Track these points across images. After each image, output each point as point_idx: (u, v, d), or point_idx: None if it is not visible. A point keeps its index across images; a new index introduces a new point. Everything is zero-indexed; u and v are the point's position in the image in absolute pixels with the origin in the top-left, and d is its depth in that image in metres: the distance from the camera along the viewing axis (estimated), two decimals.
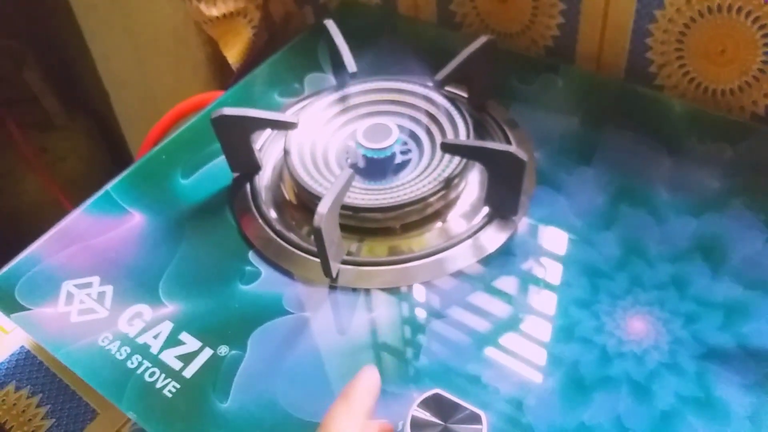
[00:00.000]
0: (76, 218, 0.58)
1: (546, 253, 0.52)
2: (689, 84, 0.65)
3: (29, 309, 0.51)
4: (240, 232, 0.56)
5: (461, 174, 0.55)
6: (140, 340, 0.49)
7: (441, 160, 0.56)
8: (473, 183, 0.58)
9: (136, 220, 0.57)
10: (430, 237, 0.55)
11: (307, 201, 0.56)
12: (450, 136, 0.57)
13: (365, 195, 0.54)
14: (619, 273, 0.50)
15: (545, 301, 0.49)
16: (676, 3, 0.61)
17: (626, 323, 0.47)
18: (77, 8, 0.78)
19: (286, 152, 0.57)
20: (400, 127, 0.58)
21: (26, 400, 0.54)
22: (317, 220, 0.47)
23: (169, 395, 0.46)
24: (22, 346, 0.56)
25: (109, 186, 0.60)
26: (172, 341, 0.49)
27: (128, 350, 0.48)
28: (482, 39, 0.60)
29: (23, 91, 0.90)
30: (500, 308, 0.49)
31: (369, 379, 0.40)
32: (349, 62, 0.61)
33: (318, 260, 0.51)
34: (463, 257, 0.52)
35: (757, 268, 0.49)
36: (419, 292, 0.51)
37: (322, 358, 0.47)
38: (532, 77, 0.66)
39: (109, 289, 0.52)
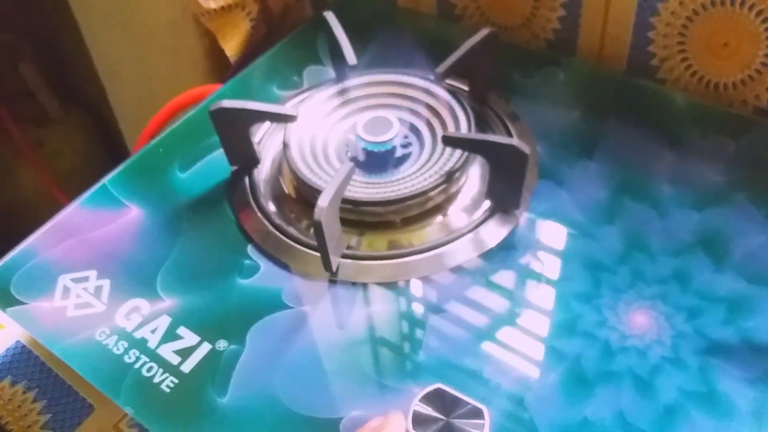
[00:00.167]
0: (73, 212, 0.57)
1: (547, 248, 0.52)
2: (691, 77, 0.65)
3: (25, 303, 0.51)
4: (239, 226, 0.55)
5: (462, 167, 0.55)
6: (138, 335, 0.48)
7: (442, 154, 0.55)
8: (474, 177, 0.58)
9: (133, 213, 0.57)
10: (430, 231, 0.54)
11: (306, 194, 0.55)
12: (451, 129, 0.57)
13: (365, 188, 0.53)
14: (621, 267, 0.50)
15: (547, 296, 0.49)
16: None
17: (629, 317, 0.47)
18: (73, 1, 0.77)
19: (285, 145, 0.57)
20: (401, 120, 0.58)
21: (22, 396, 0.53)
22: (317, 214, 0.46)
23: (167, 390, 0.45)
24: (18, 341, 0.55)
25: (106, 179, 0.60)
26: (170, 336, 0.48)
27: (125, 345, 0.48)
28: (484, 31, 0.59)
29: (19, 85, 0.90)
30: (501, 303, 0.49)
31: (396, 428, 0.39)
32: (349, 54, 0.60)
33: (317, 254, 0.51)
34: (464, 251, 0.52)
35: (760, 263, 0.49)
36: (420, 287, 0.50)
37: (322, 352, 0.47)
38: (533, 70, 0.66)
39: (106, 284, 0.52)
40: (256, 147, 0.59)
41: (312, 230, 0.54)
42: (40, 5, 0.84)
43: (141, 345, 0.48)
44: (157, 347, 0.47)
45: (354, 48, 0.61)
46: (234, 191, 0.58)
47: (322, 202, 0.47)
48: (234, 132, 0.57)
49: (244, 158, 0.59)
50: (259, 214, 0.56)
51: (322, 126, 0.60)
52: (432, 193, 0.53)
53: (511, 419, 0.42)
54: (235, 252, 0.53)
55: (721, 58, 0.62)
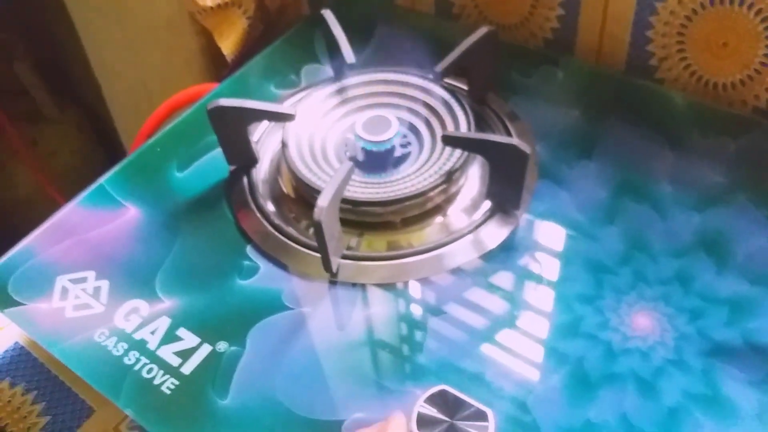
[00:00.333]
0: (70, 211, 0.57)
1: (548, 249, 0.52)
2: (690, 77, 0.65)
3: (23, 304, 0.50)
4: (237, 226, 0.55)
5: (462, 167, 0.54)
6: (137, 336, 0.48)
7: (441, 154, 0.55)
8: (474, 177, 0.57)
9: (131, 213, 0.56)
10: (430, 232, 0.54)
11: (305, 194, 0.55)
12: (450, 128, 0.57)
13: (365, 188, 0.53)
14: (622, 268, 0.49)
15: (548, 297, 0.49)
16: None
17: (631, 319, 0.47)
18: None
19: (283, 144, 0.56)
20: (400, 119, 0.57)
21: (21, 397, 0.53)
22: (317, 214, 0.46)
23: (168, 392, 0.45)
24: (17, 342, 0.55)
25: (103, 179, 0.59)
26: (169, 337, 0.48)
27: (125, 346, 0.47)
28: (483, 30, 0.59)
29: (14, 83, 0.89)
30: (502, 304, 0.49)
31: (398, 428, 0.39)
32: (347, 53, 0.60)
33: (317, 255, 0.50)
34: (464, 252, 0.52)
35: (762, 264, 0.49)
36: (419, 288, 0.50)
37: (323, 354, 0.46)
38: (531, 70, 0.66)
39: (104, 284, 0.51)
40: (254, 146, 0.58)
41: (311, 230, 0.54)
42: (35, 3, 0.83)
43: (141, 346, 0.47)
44: (157, 348, 0.47)
45: (352, 46, 0.60)
46: (232, 191, 0.57)
47: (322, 201, 0.47)
48: (232, 131, 0.56)
49: (243, 158, 0.59)
50: (257, 214, 0.55)
51: (321, 125, 0.59)
52: (432, 194, 0.53)
53: (514, 422, 0.42)
54: (235, 252, 0.53)
55: (720, 57, 0.62)
